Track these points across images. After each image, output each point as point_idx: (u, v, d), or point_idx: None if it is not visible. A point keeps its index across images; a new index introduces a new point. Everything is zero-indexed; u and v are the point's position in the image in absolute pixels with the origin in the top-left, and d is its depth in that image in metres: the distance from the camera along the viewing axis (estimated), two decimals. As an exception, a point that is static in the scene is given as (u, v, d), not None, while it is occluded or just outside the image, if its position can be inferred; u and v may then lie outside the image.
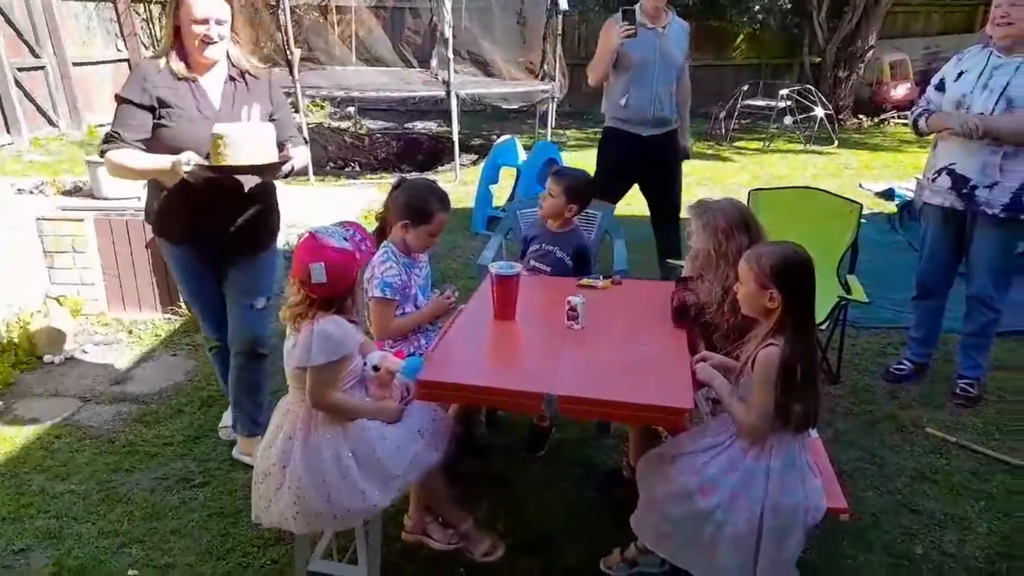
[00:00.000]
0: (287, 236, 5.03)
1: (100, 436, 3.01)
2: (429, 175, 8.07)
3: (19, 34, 8.26)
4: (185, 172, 2.27)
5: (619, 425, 2.96)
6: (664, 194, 4.12)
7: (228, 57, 2.49)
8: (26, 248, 3.95)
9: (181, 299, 2.87)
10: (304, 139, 2.64)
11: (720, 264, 2.24)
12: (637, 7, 3.81)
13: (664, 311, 2.44)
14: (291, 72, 7.62)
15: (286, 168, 2.47)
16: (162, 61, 2.39)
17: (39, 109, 8.58)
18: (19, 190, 4.94)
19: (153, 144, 2.37)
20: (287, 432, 2.01)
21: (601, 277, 2.78)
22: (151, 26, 10.34)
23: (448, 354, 2.22)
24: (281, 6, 7.51)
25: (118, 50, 10.00)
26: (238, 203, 2.53)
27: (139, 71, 2.39)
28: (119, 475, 2.75)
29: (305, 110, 8.23)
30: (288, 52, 7.57)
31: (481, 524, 2.41)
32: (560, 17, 8.91)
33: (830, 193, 3.80)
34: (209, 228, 2.53)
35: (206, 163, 2.30)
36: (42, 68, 8.61)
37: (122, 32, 10.03)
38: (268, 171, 2.43)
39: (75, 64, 8.91)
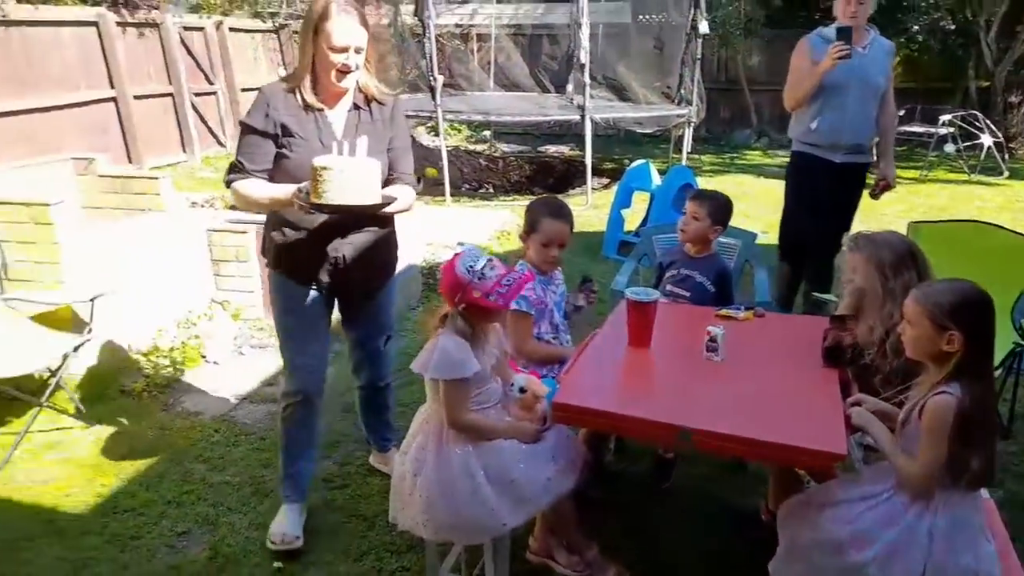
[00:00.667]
0: (424, 254, 5.25)
1: (253, 433, 3.24)
2: (559, 197, 8.14)
3: (197, 64, 9.19)
4: (297, 204, 2.15)
5: (756, 465, 2.83)
6: (836, 225, 3.72)
7: (355, 84, 2.34)
8: (197, 257, 4.34)
9: (279, 345, 2.55)
10: (413, 182, 2.48)
11: (886, 302, 2.10)
12: (834, 24, 3.55)
13: (812, 348, 2.31)
14: (433, 97, 7.97)
15: (388, 209, 2.28)
16: (287, 85, 2.28)
17: (210, 130, 9.49)
18: (192, 203, 5.46)
19: (275, 174, 2.28)
20: (421, 442, 2.07)
21: (742, 308, 2.68)
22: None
23: (581, 378, 2.21)
24: (427, 35, 7.88)
25: (280, 77, 10.89)
26: (362, 237, 2.41)
27: (264, 97, 2.27)
28: (268, 471, 2.94)
29: (444, 133, 8.56)
30: (431, 78, 7.91)
31: (606, 553, 2.36)
32: (700, 41, 8.77)
33: (1004, 228, 3.47)
34: (333, 264, 2.38)
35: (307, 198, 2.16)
36: (214, 93, 9.52)
37: (284, 60, 10.91)
38: (368, 212, 2.23)
39: (243, 90, 9.79)
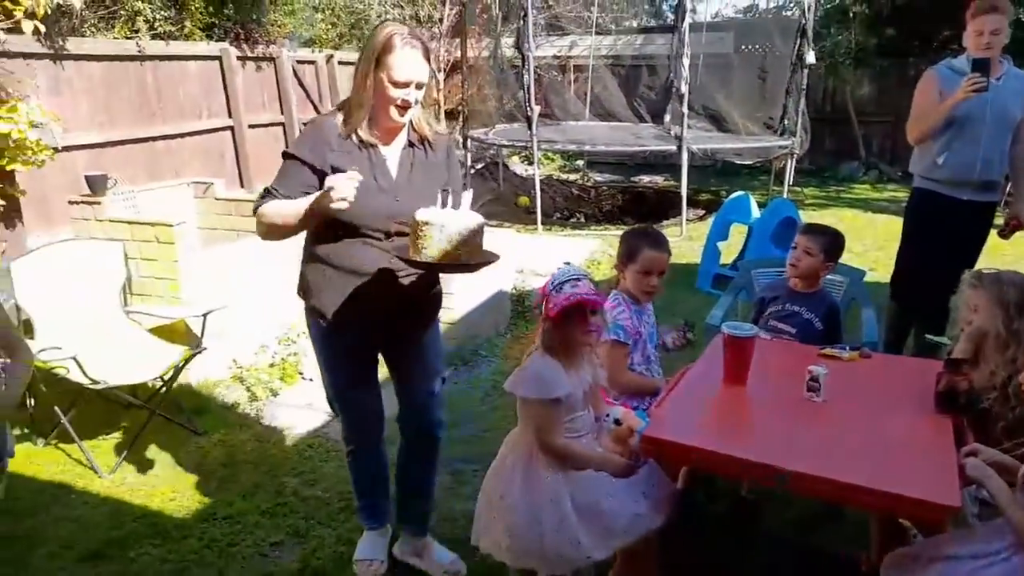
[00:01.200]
0: (514, 280, 5.29)
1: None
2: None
3: (307, 94, 9.70)
4: (337, 200, 1.91)
5: (852, 512, 2.65)
6: (959, 264, 3.52)
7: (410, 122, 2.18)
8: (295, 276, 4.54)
9: (327, 397, 2.47)
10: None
11: (1010, 344, 1.95)
12: (965, 56, 3.35)
13: (923, 393, 2.16)
14: (529, 127, 8.09)
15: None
16: (341, 120, 2.10)
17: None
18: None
19: (328, 217, 2.04)
20: (511, 463, 2.07)
21: (848, 348, 2.54)
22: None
23: (673, 412, 2.16)
24: (526, 66, 8.04)
25: (334, 107, 11.37)
26: (412, 280, 2.22)
27: (317, 131, 2.11)
28: (356, 488, 3.01)
29: (538, 163, 8.67)
30: (528, 109, 8.05)
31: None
32: (805, 71, 8.54)
33: None
34: (380, 306, 2.20)
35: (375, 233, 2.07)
36: (323, 123, 10.01)
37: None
38: (471, 271, 2.09)
39: (348, 119, 10.23)
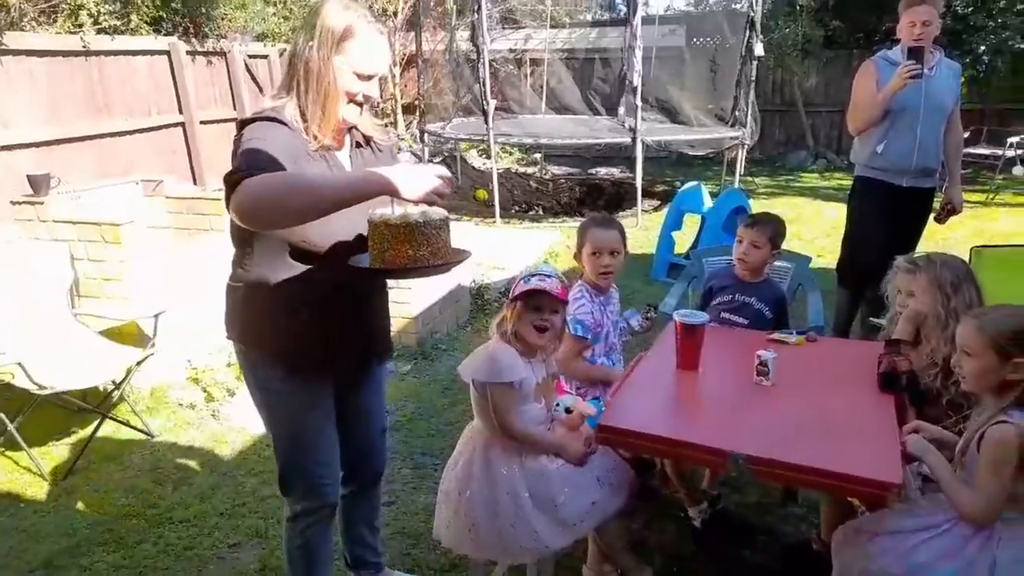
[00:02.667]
0: (473, 274, 5.29)
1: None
2: (611, 220, 8.13)
3: (260, 90, 9.50)
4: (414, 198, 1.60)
5: (807, 493, 2.74)
6: (901, 251, 3.62)
7: None
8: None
9: (276, 454, 2.00)
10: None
11: (949, 324, 2.04)
12: (900, 46, 3.48)
13: (867, 374, 2.24)
14: (486, 121, 8.09)
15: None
16: (292, 117, 1.72)
17: (271, 154, 9.79)
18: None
19: (275, 233, 1.70)
20: (467, 459, 2.08)
21: (795, 333, 2.62)
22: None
23: (628, 400, 2.19)
24: (481, 60, 8.03)
25: (268, 106, 11.23)
26: (374, 303, 2.00)
27: (280, 133, 1.68)
28: (316, 486, 2.99)
29: (495, 156, 8.68)
30: (484, 103, 8.04)
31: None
32: (755, 63, 8.70)
33: (1076, 253, 3.31)
34: (350, 337, 1.92)
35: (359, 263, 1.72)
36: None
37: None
38: (439, 272, 1.73)
39: (302, 115, 10.08)
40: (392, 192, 1.58)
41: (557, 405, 2.08)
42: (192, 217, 4.45)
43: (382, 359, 2.13)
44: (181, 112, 7.85)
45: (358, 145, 1.89)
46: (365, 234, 1.70)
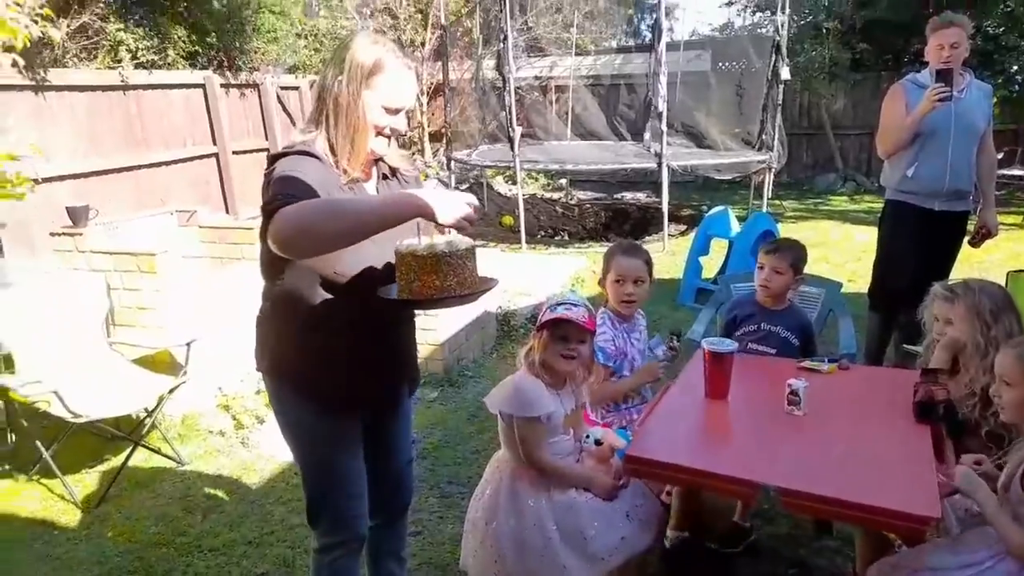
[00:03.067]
0: (499, 300, 5.30)
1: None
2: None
3: (292, 120, 9.73)
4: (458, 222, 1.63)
5: (842, 525, 2.67)
6: (935, 276, 3.57)
7: None
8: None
9: (304, 486, 1.99)
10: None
11: (988, 352, 2.00)
12: (929, 69, 3.46)
13: (902, 403, 2.19)
14: (512, 148, 8.16)
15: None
16: (323, 150, 1.74)
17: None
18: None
19: (308, 264, 1.69)
20: (494, 488, 2.07)
21: (826, 360, 2.57)
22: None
23: (655, 430, 2.17)
24: (507, 88, 8.12)
25: (299, 139, 11.46)
26: (403, 333, 1.99)
27: (305, 162, 1.68)
28: (343, 515, 2.99)
29: (521, 182, 8.73)
30: (511, 130, 8.12)
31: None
32: (781, 87, 8.68)
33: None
34: (382, 369, 1.93)
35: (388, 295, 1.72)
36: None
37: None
38: (467, 302, 1.74)
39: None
40: (427, 214, 1.59)
41: (587, 437, 2.07)
42: (225, 247, 4.54)
43: (411, 389, 2.10)
44: (215, 143, 8.06)
45: (385, 177, 1.90)
46: (393, 264, 1.70)
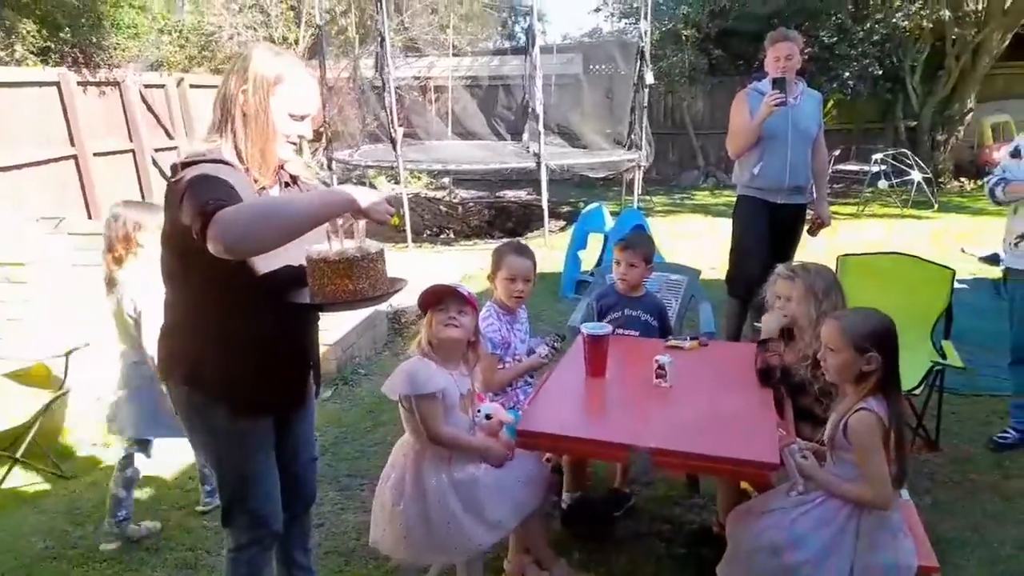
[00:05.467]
0: (390, 299, 5.39)
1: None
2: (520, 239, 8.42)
3: (158, 120, 9.30)
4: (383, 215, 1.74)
5: (708, 485, 3.02)
6: (779, 259, 3.75)
7: None
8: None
9: (222, 491, 2.03)
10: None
11: (819, 323, 2.34)
12: (766, 79, 3.89)
13: (751, 372, 2.55)
14: (394, 148, 8.22)
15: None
16: (230, 158, 1.76)
17: (171, 185, 9.54)
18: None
19: (220, 271, 1.67)
20: (399, 473, 2.22)
21: (688, 338, 2.91)
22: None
23: (543, 407, 2.41)
24: (386, 88, 8.18)
25: (207, 147, 11.07)
26: (311, 336, 2.06)
27: (223, 170, 1.69)
28: (244, 514, 3.02)
29: (404, 182, 8.81)
30: (392, 130, 8.18)
31: (574, 568, 2.53)
32: (646, 91, 9.25)
33: (921, 259, 3.80)
34: (292, 372, 2.00)
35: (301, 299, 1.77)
36: (175, 148, 9.62)
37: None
38: (378, 303, 1.83)
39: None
40: (355, 207, 1.68)
41: (479, 412, 2.26)
42: (95, 253, 4.34)
43: (317, 390, 2.17)
44: (73, 144, 7.59)
45: (287, 184, 1.94)
46: (304, 270, 1.75)
